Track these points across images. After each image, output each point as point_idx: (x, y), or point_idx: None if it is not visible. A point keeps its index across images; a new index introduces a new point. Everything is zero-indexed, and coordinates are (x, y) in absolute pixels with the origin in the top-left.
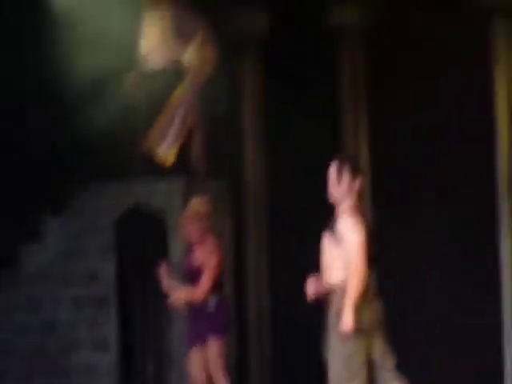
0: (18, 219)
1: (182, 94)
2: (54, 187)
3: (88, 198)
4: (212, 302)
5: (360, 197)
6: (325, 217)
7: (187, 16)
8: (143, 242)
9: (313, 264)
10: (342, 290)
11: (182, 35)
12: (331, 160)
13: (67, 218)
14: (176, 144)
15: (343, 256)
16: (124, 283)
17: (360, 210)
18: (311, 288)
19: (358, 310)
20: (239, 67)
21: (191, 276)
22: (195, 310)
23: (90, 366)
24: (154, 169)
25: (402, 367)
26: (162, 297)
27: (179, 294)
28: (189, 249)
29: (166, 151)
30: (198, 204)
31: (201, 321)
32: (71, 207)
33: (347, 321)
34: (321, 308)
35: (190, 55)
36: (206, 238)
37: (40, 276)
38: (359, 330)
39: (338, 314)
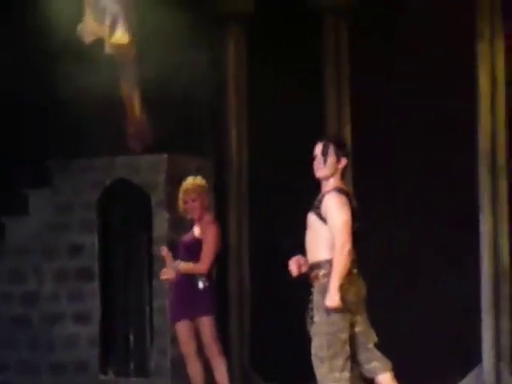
0: (2, 193)
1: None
2: (38, 161)
3: (72, 172)
4: (202, 280)
5: (344, 176)
6: (309, 195)
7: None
8: (126, 217)
9: (295, 242)
10: (327, 268)
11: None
12: (316, 139)
13: (51, 192)
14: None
15: (328, 234)
16: (107, 256)
17: (344, 189)
18: (294, 266)
19: (343, 287)
20: (222, 45)
21: (191, 250)
22: (183, 286)
23: (71, 337)
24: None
25: (384, 346)
26: (143, 270)
27: (182, 268)
28: (188, 224)
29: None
30: (197, 180)
31: (189, 297)
32: (55, 181)
33: (332, 298)
34: (303, 285)
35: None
36: (205, 214)
37: (24, 249)
38: (343, 307)
39: (323, 292)
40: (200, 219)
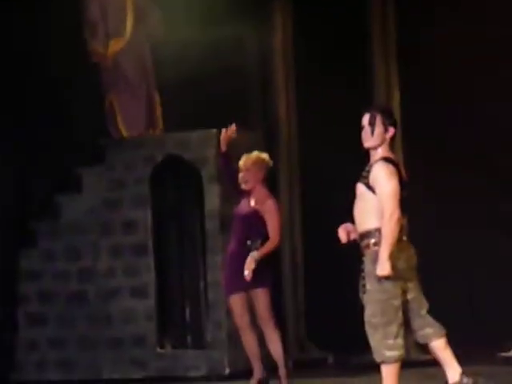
0: (57, 171)
1: None
2: (90, 139)
3: (124, 149)
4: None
5: (393, 146)
6: (357, 165)
7: None
8: (178, 192)
9: (346, 211)
10: (377, 236)
11: None
12: (364, 110)
13: (104, 170)
14: None
15: (377, 203)
16: (160, 231)
17: (393, 158)
18: (342, 233)
19: (393, 255)
20: (268, 20)
21: (249, 221)
22: (237, 259)
23: (128, 312)
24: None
25: (436, 312)
26: (196, 244)
27: (258, 255)
28: (240, 196)
29: None
30: (255, 154)
31: (244, 270)
32: (108, 158)
33: (383, 266)
34: (355, 254)
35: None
36: (259, 188)
37: (79, 226)
38: (395, 275)
39: (374, 260)
40: (253, 192)
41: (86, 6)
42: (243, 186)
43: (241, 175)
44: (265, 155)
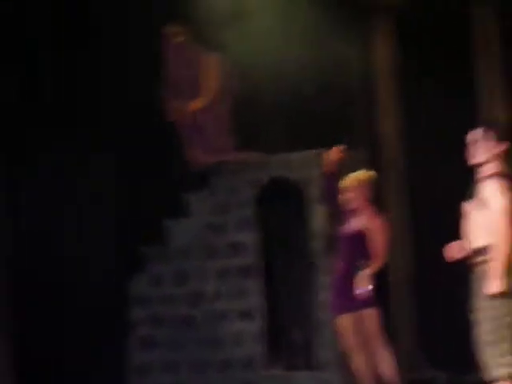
0: (164, 197)
1: None
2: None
3: (228, 172)
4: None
5: (503, 162)
6: (464, 183)
7: None
8: (283, 213)
9: (454, 230)
10: (488, 254)
11: None
12: (469, 126)
13: (209, 194)
14: None
15: (488, 221)
16: (267, 253)
17: (504, 175)
18: (451, 252)
19: (505, 273)
20: (370, 37)
21: (354, 242)
22: (344, 279)
23: (237, 335)
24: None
25: None
26: (303, 265)
27: (369, 273)
28: (345, 216)
29: None
30: (361, 173)
31: (351, 290)
32: (212, 182)
33: (495, 284)
34: (465, 272)
35: None
36: (366, 207)
37: (186, 250)
38: (507, 292)
39: (485, 277)
40: (359, 211)
41: (168, 65)
42: (349, 206)
43: (346, 195)
44: (369, 173)
